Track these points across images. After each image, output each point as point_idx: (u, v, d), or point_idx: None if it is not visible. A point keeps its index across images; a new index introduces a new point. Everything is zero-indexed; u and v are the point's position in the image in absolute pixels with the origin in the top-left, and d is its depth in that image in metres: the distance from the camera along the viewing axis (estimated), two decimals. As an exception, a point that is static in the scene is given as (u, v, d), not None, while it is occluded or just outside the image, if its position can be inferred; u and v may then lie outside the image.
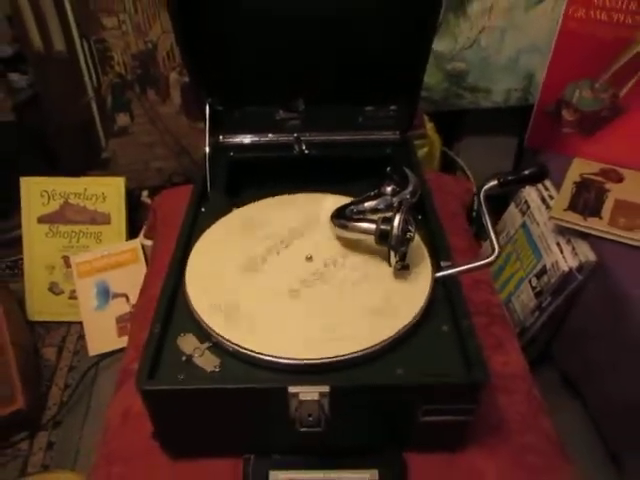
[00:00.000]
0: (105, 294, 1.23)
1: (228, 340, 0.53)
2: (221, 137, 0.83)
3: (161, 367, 0.52)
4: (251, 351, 0.52)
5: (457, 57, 1.23)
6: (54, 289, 1.29)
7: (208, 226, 0.69)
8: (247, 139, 0.84)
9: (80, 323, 1.25)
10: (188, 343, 0.54)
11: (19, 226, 1.33)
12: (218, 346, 0.54)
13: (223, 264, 0.63)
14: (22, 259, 1.32)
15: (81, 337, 1.25)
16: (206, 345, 0.54)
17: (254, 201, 0.74)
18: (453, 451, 0.56)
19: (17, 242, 1.34)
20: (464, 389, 0.50)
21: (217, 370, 0.52)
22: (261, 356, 0.51)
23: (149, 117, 1.31)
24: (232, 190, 0.78)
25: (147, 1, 1.17)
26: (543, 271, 0.98)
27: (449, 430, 0.54)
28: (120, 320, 1.22)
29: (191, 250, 0.65)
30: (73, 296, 1.27)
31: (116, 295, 1.23)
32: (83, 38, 1.19)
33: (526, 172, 0.62)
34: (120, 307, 1.23)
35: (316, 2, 0.72)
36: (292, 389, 0.48)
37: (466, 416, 0.52)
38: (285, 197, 0.75)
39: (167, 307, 0.57)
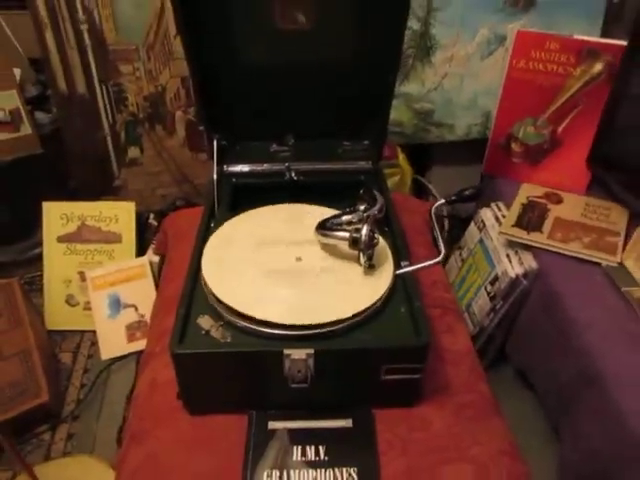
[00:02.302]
0: (116, 305, 1.37)
1: (237, 319, 0.69)
2: (225, 166, 0.98)
3: (187, 338, 0.68)
4: (256, 325, 0.68)
5: (425, 98, 1.42)
6: (70, 301, 1.42)
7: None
8: (246, 168, 0.99)
9: (92, 331, 1.38)
10: (206, 322, 0.70)
11: (37, 245, 1.47)
12: (229, 324, 0.69)
13: (230, 263, 0.79)
14: (40, 276, 1.45)
15: (93, 344, 1.38)
16: (220, 323, 0.70)
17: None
18: (410, 406, 0.73)
19: (36, 260, 1.47)
20: (414, 350, 0.67)
21: (229, 340, 0.68)
22: (263, 329, 0.67)
23: (156, 150, 1.48)
24: (235, 210, 0.95)
25: (158, 51, 1.36)
26: (496, 278, 1.15)
27: (405, 387, 0.71)
28: (130, 328, 1.36)
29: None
30: (87, 307, 1.39)
31: (126, 306, 1.37)
32: (102, 83, 1.37)
33: (465, 193, 0.81)
34: (130, 316, 1.37)
35: (303, 59, 0.90)
36: (286, 351, 0.65)
37: (417, 374, 0.69)
38: (281, 206, 0.91)
39: (189, 295, 0.73)
